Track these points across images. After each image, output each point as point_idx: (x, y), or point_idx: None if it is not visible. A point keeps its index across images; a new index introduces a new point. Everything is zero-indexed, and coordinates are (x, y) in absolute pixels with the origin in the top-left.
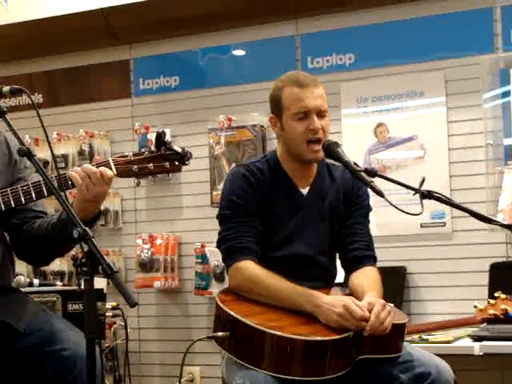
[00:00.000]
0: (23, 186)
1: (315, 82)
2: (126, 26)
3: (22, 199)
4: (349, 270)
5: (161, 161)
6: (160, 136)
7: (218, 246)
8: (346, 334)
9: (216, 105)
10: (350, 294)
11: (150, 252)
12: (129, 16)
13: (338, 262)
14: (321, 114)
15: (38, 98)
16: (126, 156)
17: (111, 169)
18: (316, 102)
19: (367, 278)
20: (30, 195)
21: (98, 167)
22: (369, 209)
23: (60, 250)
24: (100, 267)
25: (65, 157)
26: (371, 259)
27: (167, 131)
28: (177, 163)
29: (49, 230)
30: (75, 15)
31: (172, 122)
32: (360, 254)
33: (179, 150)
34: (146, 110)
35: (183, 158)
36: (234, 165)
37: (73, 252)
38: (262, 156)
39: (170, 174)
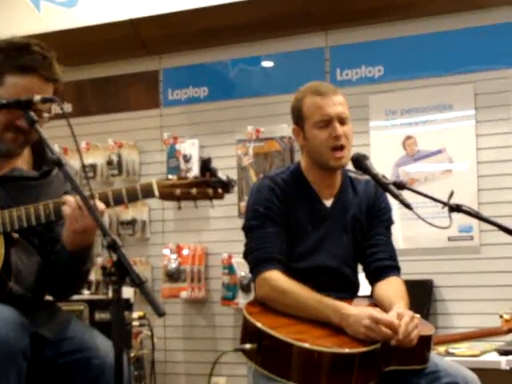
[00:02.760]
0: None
1: (335, 90)
2: (155, 36)
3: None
4: (373, 280)
5: (204, 187)
6: (205, 162)
7: (245, 257)
8: (373, 347)
9: (244, 116)
10: (375, 305)
11: (176, 262)
12: (158, 27)
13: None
14: (342, 121)
15: (67, 107)
16: (170, 179)
17: (153, 191)
18: (337, 109)
19: (393, 289)
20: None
21: (141, 189)
22: (391, 221)
23: (67, 275)
24: (128, 277)
25: (93, 166)
26: (395, 269)
27: (195, 142)
28: (220, 191)
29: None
30: (105, 25)
31: (200, 132)
32: (383, 264)
33: (224, 178)
34: (174, 121)
35: (227, 186)
36: (261, 176)
37: (101, 261)
38: (285, 167)
39: (212, 201)
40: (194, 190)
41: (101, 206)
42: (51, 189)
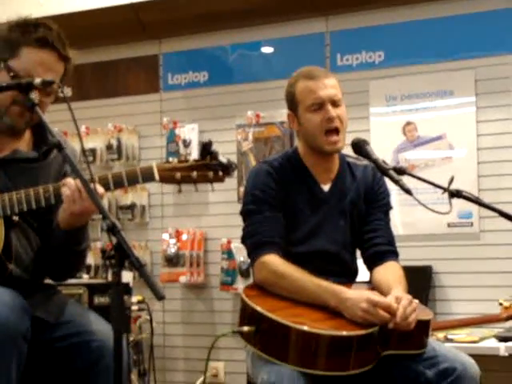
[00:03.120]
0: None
1: (327, 73)
2: (155, 20)
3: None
4: (371, 265)
5: (205, 170)
6: (206, 145)
7: (243, 241)
8: (371, 330)
9: (244, 101)
10: (374, 289)
11: (176, 247)
12: (159, 11)
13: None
14: (335, 103)
15: (67, 91)
16: (171, 162)
17: (154, 174)
18: (329, 91)
19: (391, 274)
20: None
21: (141, 172)
22: (389, 206)
23: (63, 256)
24: (128, 260)
25: (93, 151)
26: (393, 254)
27: (195, 126)
28: (220, 174)
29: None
30: (106, 9)
31: (200, 117)
32: (381, 249)
33: (225, 160)
34: (174, 105)
35: (228, 169)
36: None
37: (100, 246)
38: (283, 152)
39: (212, 184)
40: (194, 174)
41: (100, 189)
42: (51, 170)
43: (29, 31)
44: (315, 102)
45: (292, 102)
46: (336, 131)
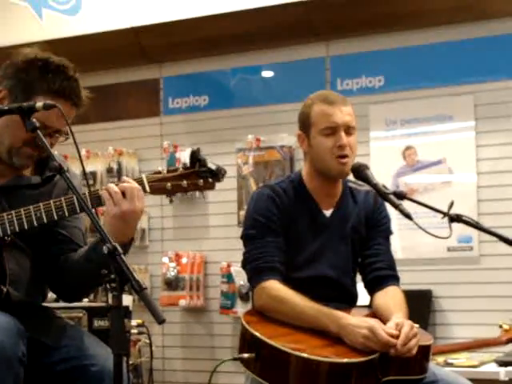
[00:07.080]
0: (56, 202)
1: (344, 100)
2: (156, 45)
3: (54, 215)
4: (372, 290)
5: (195, 178)
6: (194, 153)
7: (243, 266)
8: (371, 356)
9: (245, 125)
10: (373, 314)
11: (175, 270)
12: (159, 35)
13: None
14: (349, 131)
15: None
16: (160, 172)
17: (144, 186)
18: (344, 118)
19: (392, 298)
20: (62, 211)
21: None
22: (390, 232)
23: (92, 279)
24: (129, 283)
25: (93, 174)
26: (394, 279)
27: None
28: (211, 180)
29: (82, 258)
30: (107, 34)
31: (200, 141)
32: (382, 273)
33: (214, 167)
34: (174, 129)
35: (217, 175)
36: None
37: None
38: (286, 176)
39: (203, 192)
40: (184, 182)
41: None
42: (52, 196)
43: (47, 79)
44: (329, 126)
45: (305, 123)
46: (345, 157)
